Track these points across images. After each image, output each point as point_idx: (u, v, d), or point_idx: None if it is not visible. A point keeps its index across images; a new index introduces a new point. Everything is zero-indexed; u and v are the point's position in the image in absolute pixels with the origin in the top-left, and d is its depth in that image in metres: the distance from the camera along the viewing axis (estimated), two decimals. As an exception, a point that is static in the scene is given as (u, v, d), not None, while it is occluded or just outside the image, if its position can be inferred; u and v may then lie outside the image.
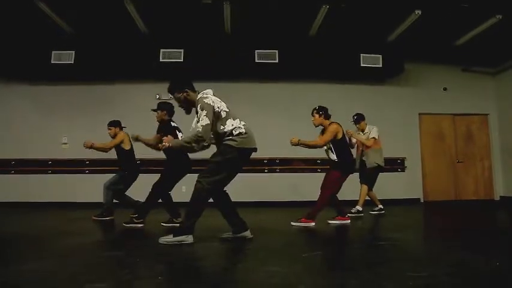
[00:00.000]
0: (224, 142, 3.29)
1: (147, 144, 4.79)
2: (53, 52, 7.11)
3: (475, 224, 5.05)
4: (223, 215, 3.46)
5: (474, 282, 2.07)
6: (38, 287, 2.02)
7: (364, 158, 5.86)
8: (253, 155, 8.05)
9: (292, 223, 4.41)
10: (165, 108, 4.76)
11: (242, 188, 7.66)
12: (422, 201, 8.09)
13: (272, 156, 7.63)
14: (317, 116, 4.64)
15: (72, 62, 7.12)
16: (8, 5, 6.02)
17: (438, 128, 8.43)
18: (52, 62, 7.09)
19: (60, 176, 7.47)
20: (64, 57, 7.12)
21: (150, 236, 3.99)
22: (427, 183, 8.22)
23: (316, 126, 4.71)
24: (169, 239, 3.18)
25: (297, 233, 4.04)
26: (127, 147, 5.30)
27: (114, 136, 5.33)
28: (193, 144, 3.20)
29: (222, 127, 3.30)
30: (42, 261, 2.59)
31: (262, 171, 7.68)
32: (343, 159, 4.57)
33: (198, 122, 3.24)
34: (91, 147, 4.99)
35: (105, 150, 5.28)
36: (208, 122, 3.19)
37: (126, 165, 5.32)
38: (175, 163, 4.59)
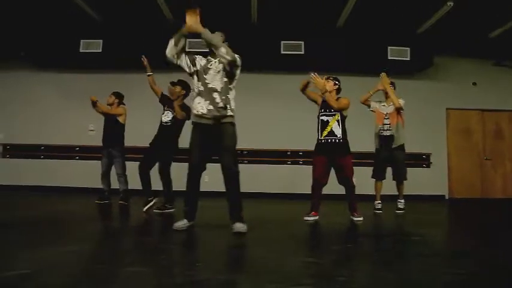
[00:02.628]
0: (231, 121, 3.30)
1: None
2: (82, 41, 7.23)
3: (505, 222, 4.94)
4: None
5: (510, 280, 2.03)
6: (81, 268, 2.08)
7: (387, 133, 5.14)
8: (276, 147, 8.05)
9: (354, 218, 4.22)
10: (184, 86, 4.82)
11: (265, 179, 7.74)
12: (447, 198, 7.95)
13: (295, 149, 7.62)
14: (332, 83, 4.32)
15: (100, 51, 7.23)
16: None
17: (466, 124, 8.22)
18: (81, 50, 7.21)
19: (87, 162, 7.63)
20: (92, 46, 7.23)
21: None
22: (453, 180, 8.06)
23: (322, 93, 4.24)
24: (241, 226, 3.17)
25: (321, 225, 4.03)
26: (124, 122, 5.53)
27: (110, 104, 5.57)
28: (222, 51, 3.22)
29: (232, 91, 3.35)
30: (80, 244, 2.67)
31: (285, 163, 7.68)
32: (347, 139, 4.26)
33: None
34: (95, 103, 5.35)
35: (104, 112, 5.55)
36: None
37: (121, 140, 5.49)
38: (175, 145, 4.75)
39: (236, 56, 3.24)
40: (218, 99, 3.24)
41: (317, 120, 4.35)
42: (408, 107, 7.50)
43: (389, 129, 5.12)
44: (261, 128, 7.42)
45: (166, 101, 4.97)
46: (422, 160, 7.84)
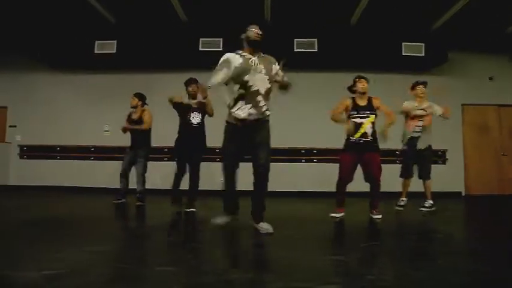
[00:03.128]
0: (268, 119, 3.35)
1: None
2: (97, 42, 7.29)
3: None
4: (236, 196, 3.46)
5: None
6: (108, 268, 2.10)
7: (418, 135, 5.16)
8: (290, 145, 8.03)
9: (374, 216, 4.19)
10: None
11: (279, 178, 7.71)
12: (463, 194, 7.85)
13: (310, 146, 7.60)
14: (367, 85, 4.35)
15: (115, 52, 7.29)
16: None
17: (482, 120, 8.10)
18: (95, 51, 7.28)
19: (102, 162, 7.71)
20: (107, 47, 7.29)
21: (196, 222, 4.07)
22: (469, 177, 7.95)
23: (361, 93, 4.29)
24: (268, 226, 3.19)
25: (343, 223, 4.01)
26: (151, 126, 5.52)
27: (134, 107, 5.50)
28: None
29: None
30: (103, 244, 2.70)
31: (300, 161, 7.66)
32: (377, 138, 4.26)
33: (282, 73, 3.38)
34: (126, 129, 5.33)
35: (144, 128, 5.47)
36: None
37: (148, 142, 5.49)
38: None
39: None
40: (262, 103, 3.24)
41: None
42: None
43: (420, 131, 5.16)
44: (275, 126, 7.41)
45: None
46: (438, 156, 7.75)
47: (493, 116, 8.12)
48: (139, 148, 5.45)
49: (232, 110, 3.23)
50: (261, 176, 3.24)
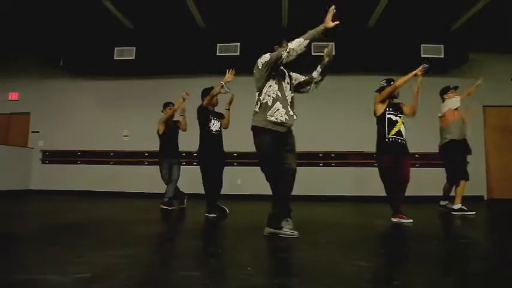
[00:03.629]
0: (253, 131, 3.31)
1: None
2: (116, 48, 7.44)
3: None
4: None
5: None
6: (136, 272, 2.12)
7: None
8: (309, 149, 8.02)
9: (404, 221, 4.20)
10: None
11: (297, 181, 7.69)
12: (485, 198, 7.68)
13: (328, 150, 7.56)
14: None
15: (133, 58, 7.42)
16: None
17: (505, 121, 7.94)
18: (115, 58, 7.42)
19: (121, 167, 7.83)
20: (126, 53, 7.43)
21: (217, 226, 4.08)
22: (492, 180, 7.79)
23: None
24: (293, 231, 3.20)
25: (361, 227, 3.98)
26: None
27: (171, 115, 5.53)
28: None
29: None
30: (130, 248, 2.72)
31: (317, 164, 7.62)
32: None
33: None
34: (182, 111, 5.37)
35: (183, 128, 5.59)
36: None
37: (179, 151, 5.60)
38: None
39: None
40: (292, 112, 3.34)
41: (383, 118, 4.34)
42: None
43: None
44: (296, 130, 7.40)
45: (210, 112, 4.97)
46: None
47: (516, 118, 7.95)
48: (176, 157, 5.55)
49: (270, 113, 3.23)
50: (292, 181, 3.32)
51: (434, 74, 7.55)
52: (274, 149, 3.23)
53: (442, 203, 5.41)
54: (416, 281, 2.03)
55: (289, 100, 3.33)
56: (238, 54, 7.12)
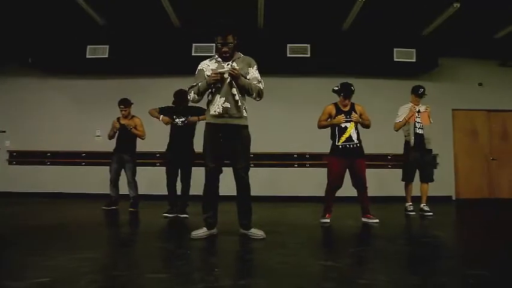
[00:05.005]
0: (247, 124, 3.26)
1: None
2: (88, 47, 7.25)
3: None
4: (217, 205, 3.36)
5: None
6: (99, 275, 2.07)
7: (420, 132, 5.23)
8: (283, 150, 8.02)
9: (370, 221, 4.22)
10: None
11: (270, 183, 7.72)
12: (454, 198, 7.92)
13: (302, 151, 7.62)
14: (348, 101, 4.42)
15: (107, 56, 7.25)
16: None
17: (472, 125, 8.20)
18: (87, 56, 7.23)
19: (94, 168, 7.63)
20: (99, 51, 7.25)
21: (188, 228, 4.04)
22: (460, 181, 8.03)
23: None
24: (262, 233, 3.18)
25: (332, 228, 4.02)
26: None
27: (127, 116, 5.50)
28: (254, 95, 3.18)
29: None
30: (95, 251, 2.66)
31: (292, 165, 7.67)
32: (361, 142, 4.36)
33: (257, 79, 3.21)
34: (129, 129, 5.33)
35: (142, 137, 5.44)
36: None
37: (134, 146, 5.53)
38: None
39: (262, 85, 3.25)
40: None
41: (332, 127, 4.37)
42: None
43: (421, 128, 5.25)
44: (268, 131, 7.41)
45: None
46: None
47: (483, 121, 8.23)
48: (125, 153, 5.42)
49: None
50: (245, 183, 3.25)
51: (406, 78, 7.79)
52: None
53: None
54: (380, 279, 2.07)
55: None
56: (214, 54, 7.06)
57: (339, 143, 4.27)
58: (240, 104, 3.17)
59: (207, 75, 3.13)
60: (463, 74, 8.12)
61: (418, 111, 5.29)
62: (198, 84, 3.15)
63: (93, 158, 7.71)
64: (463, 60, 8.08)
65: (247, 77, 3.19)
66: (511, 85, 8.14)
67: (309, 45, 7.22)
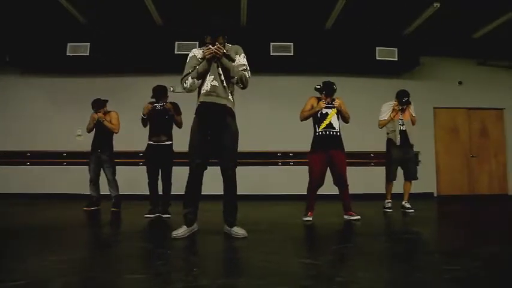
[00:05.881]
0: (234, 110, 3.28)
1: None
2: (69, 44, 7.12)
3: (493, 218, 5.03)
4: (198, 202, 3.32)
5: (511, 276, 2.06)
6: (75, 277, 2.03)
7: (403, 128, 5.30)
8: (267, 148, 8.03)
9: (352, 218, 4.26)
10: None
11: (253, 181, 7.72)
12: (435, 195, 8.07)
13: (286, 150, 7.65)
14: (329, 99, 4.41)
15: (88, 54, 7.14)
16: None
17: (453, 123, 8.37)
18: (68, 54, 7.10)
19: (75, 168, 7.51)
20: (79, 49, 7.14)
21: (171, 228, 4.01)
22: (441, 178, 8.19)
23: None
24: (243, 232, 3.15)
25: (316, 225, 4.04)
26: None
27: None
28: (235, 79, 3.18)
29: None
30: (72, 252, 2.61)
31: (276, 164, 7.69)
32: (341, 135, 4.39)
33: (244, 66, 3.20)
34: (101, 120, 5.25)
35: (114, 130, 5.38)
36: None
37: (111, 145, 5.46)
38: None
39: (249, 72, 3.25)
40: None
41: (314, 115, 4.38)
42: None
43: (403, 124, 5.31)
44: (252, 130, 7.41)
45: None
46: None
47: (463, 119, 8.41)
48: (102, 152, 5.34)
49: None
50: (231, 179, 3.24)
51: (388, 76, 7.89)
52: None
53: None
54: (358, 276, 2.08)
55: None
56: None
57: (320, 129, 4.30)
58: (225, 84, 3.20)
59: (200, 59, 3.17)
60: (444, 72, 8.28)
61: (401, 109, 5.34)
62: (194, 69, 3.17)
63: (74, 158, 7.59)
64: (443, 59, 8.23)
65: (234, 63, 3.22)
66: (489, 84, 8.34)
67: (292, 44, 7.25)
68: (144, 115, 4.68)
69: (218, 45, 3.09)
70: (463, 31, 7.29)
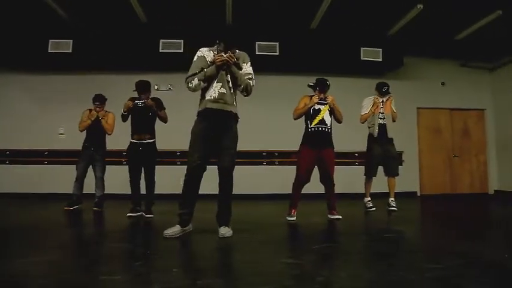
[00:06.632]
0: (238, 114, 3.35)
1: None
2: (51, 41, 6.97)
3: (474, 217, 5.11)
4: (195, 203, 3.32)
5: (492, 273, 2.09)
6: (51, 279, 1.98)
7: (383, 122, 5.23)
8: (252, 148, 8.00)
9: (334, 217, 4.28)
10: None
11: (240, 180, 7.68)
12: (419, 194, 8.17)
13: (271, 149, 7.64)
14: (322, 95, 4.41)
15: (70, 51, 6.99)
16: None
17: (436, 123, 8.49)
18: (49, 51, 6.95)
19: (57, 166, 7.36)
20: (62, 46, 6.98)
21: (154, 228, 3.96)
22: (424, 177, 8.30)
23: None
24: (226, 231, 3.15)
25: (300, 225, 4.04)
26: None
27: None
28: (241, 88, 3.24)
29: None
30: (51, 253, 2.55)
31: (261, 163, 7.67)
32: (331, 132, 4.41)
33: (250, 74, 3.28)
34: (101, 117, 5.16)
35: (108, 131, 5.28)
36: None
37: (104, 143, 5.37)
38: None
39: (254, 81, 3.35)
40: None
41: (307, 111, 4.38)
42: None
43: (383, 118, 5.26)
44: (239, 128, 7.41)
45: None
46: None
47: (445, 119, 8.53)
48: (97, 150, 5.25)
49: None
50: (230, 182, 3.30)
51: (372, 77, 7.93)
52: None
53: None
54: (340, 276, 2.08)
55: None
56: (181, 51, 6.96)
57: (312, 126, 4.30)
58: (232, 91, 3.27)
59: (210, 61, 3.19)
60: (427, 73, 8.39)
61: (382, 102, 5.32)
62: (202, 70, 3.17)
63: (56, 157, 7.44)
64: (427, 60, 8.35)
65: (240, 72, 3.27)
66: (471, 85, 8.50)
67: (277, 44, 7.24)
68: (124, 111, 4.60)
69: (230, 53, 3.14)
70: (446, 32, 7.38)
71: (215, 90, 3.18)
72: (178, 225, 3.14)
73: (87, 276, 2.04)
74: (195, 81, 3.15)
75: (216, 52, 3.26)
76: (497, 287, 1.84)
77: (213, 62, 3.16)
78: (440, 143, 8.46)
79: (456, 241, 3.14)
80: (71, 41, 7.03)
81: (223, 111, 3.20)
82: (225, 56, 3.11)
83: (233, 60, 3.14)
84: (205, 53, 3.27)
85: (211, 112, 3.18)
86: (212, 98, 3.18)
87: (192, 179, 3.17)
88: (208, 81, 3.18)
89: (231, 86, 3.24)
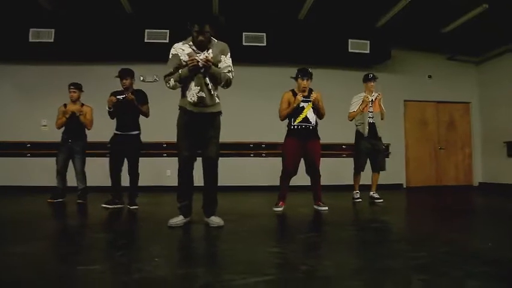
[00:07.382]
0: (220, 109, 3.26)
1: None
2: (31, 30, 6.76)
3: (458, 207, 5.16)
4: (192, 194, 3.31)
5: (474, 261, 2.09)
6: (29, 270, 1.91)
7: (372, 121, 5.25)
8: (239, 139, 7.96)
9: (320, 208, 4.28)
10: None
11: (227, 172, 7.63)
12: (405, 186, 8.23)
13: (258, 141, 7.60)
14: (308, 82, 4.35)
15: (52, 41, 6.80)
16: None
17: (422, 115, 8.54)
18: (30, 40, 6.75)
19: (40, 159, 7.20)
20: (43, 35, 6.79)
21: (137, 218, 3.89)
22: (410, 169, 8.36)
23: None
24: (219, 220, 3.16)
25: (284, 216, 4.02)
26: None
27: (76, 100, 5.20)
28: (222, 84, 3.15)
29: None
30: (30, 244, 2.47)
31: (248, 155, 7.63)
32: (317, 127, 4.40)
33: (229, 67, 3.18)
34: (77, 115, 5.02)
35: (88, 127, 5.17)
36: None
37: (84, 135, 5.25)
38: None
39: (232, 73, 3.24)
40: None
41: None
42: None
43: (372, 117, 5.27)
44: (223, 120, 7.33)
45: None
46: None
47: (432, 112, 8.59)
48: (75, 142, 5.14)
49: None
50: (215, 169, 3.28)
51: (359, 69, 7.92)
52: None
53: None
54: (324, 264, 2.06)
55: None
56: (167, 41, 6.83)
57: (295, 123, 4.26)
58: (212, 92, 3.15)
59: (184, 61, 3.05)
60: (414, 66, 8.42)
61: (371, 101, 5.35)
62: (177, 71, 3.07)
63: (38, 149, 7.28)
64: (414, 53, 8.37)
65: (219, 65, 3.14)
66: (457, 78, 8.57)
67: (265, 34, 7.17)
68: (109, 108, 4.50)
69: (205, 56, 2.98)
70: (432, 25, 7.40)
71: (194, 94, 3.07)
72: (181, 215, 3.19)
73: (65, 267, 1.98)
74: (171, 82, 3.09)
75: (191, 44, 3.09)
76: (481, 275, 1.83)
77: (187, 63, 3.01)
78: (427, 135, 8.52)
79: (441, 231, 3.16)
80: (53, 30, 6.84)
81: (203, 114, 3.14)
82: (199, 58, 2.96)
83: (209, 64, 2.97)
84: (179, 50, 3.11)
85: (191, 113, 3.13)
86: (192, 101, 3.09)
87: (184, 171, 3.19)
88: (184, 82, 3.09)
89: (210, 88, 3.10)
